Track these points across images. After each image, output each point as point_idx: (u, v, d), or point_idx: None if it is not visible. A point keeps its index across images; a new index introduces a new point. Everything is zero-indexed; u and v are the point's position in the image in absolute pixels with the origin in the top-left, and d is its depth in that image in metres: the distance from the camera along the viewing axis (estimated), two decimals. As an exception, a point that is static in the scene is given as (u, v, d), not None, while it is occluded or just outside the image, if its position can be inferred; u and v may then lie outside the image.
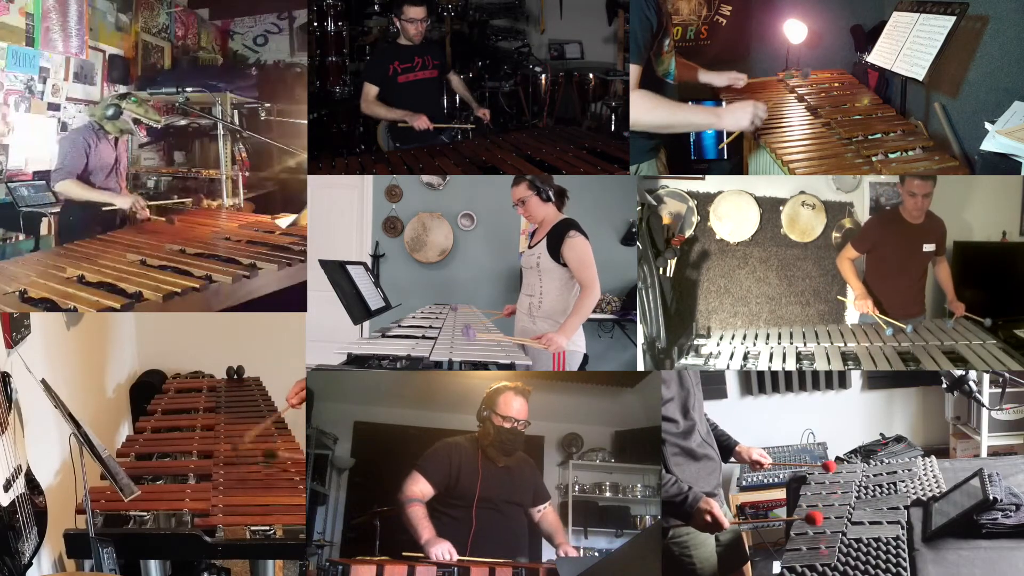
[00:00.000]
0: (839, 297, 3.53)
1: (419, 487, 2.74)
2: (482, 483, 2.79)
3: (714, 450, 2.63)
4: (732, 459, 2.76)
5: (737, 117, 2.96)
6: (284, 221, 3.89)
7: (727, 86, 3.64)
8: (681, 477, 2.45)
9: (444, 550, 2.49)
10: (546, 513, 2.94)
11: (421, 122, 4.18)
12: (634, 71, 2.91)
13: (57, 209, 3.92)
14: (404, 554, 2.52)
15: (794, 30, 3.93)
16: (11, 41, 3.83)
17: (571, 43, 5.59)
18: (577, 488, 4.09)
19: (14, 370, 2.32)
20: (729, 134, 3.22)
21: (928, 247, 3.69)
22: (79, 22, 4.26)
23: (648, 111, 2.88)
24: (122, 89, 4.44)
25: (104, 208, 3.79)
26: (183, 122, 4.80)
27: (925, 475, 2.43)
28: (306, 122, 4.42)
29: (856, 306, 3.39)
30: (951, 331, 3.41)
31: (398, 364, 2.75)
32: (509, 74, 5.34)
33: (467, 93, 4.61)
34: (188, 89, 4.55)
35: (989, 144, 2.77)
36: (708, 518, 2.33)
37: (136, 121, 3.86)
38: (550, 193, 3.40)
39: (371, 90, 4.28)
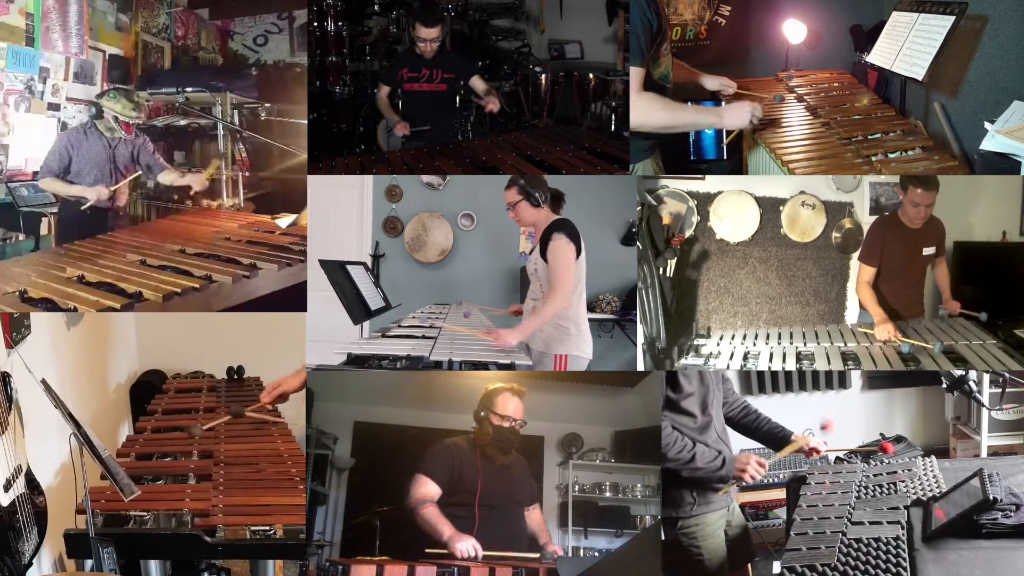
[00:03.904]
0: (861, 329, 3.53)
1: (426, 488, 2.76)
2: (483, 481, 2.81)
3: (728, 447, 2.65)
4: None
5: (737, 115, 3.13)
6: (284, 221, 3.88)
7: (718, 90, 3.63)
8: None
9: (469, 545, 2.54)
10: (533, 513, 2.96)
11: (398, 128, 4.29)
12: (636, 73, 2.93)
13: (56, 209, 3.92)
14: (428, 551, 2.56)
15: (793, 30, 3.94)
16: (11, 41, 3.83)
17: (571, 43, 5.59)
18: (577, 488, 4.08)
19: (14, 370, 2.32)
20: (729, 133, 3.38)
21: (928, 250, 3.68)
22: (79, 22, 4.26)
23: (653, 112, 2.96)
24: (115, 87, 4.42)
25: (82, 207, 3.76)
26: (183, 122, 4.80)
27: (925, 475, 2.44)
28: (306, 122, 4.42)
29: (877, 332, 3.38)
30: (949, 331, 3.40)
31: (398, 364, 2.75)
32: (509, 74, 5.34)
33: (485, 89, 4.49)
34: (188, 89, 4.55)
35: (989, 144, 2.77)
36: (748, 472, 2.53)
37: (116, 119, 3.82)
38: (539, 198, 3.38)
39: (382, 88, 4.43)
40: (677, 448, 2.46)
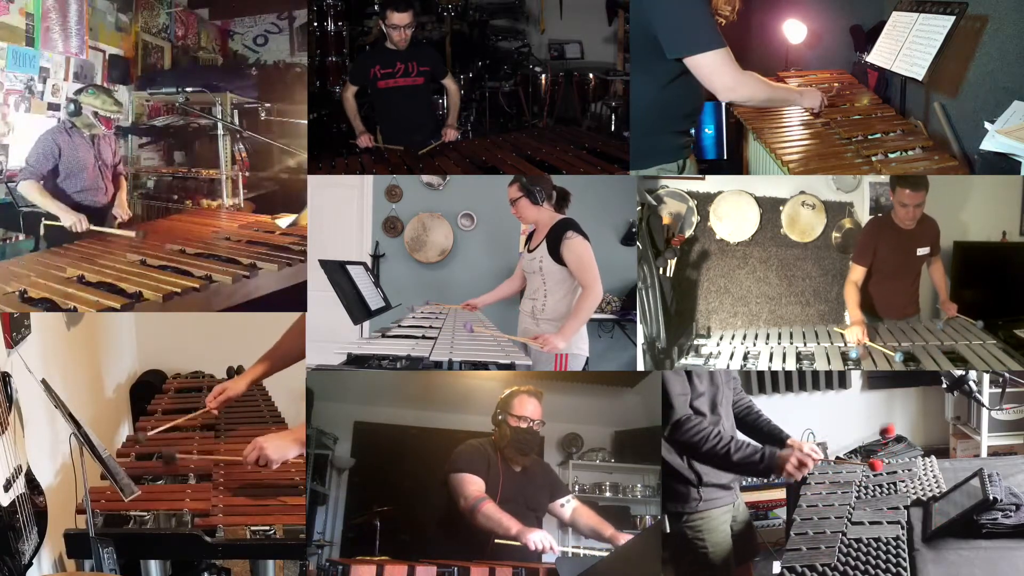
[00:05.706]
0: (836, 329, 3.52)
1: (476, 486, 2.77)
2: (503, 485, 2.83)
3: None
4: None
5: (812, 98, 3.33)
6: (284, 221, 3.88)
7: None
8: (701, 470, 2.49)
9: (541, 537, 2.54)
10: (579, 509, 2.92)
11: (361, 140, 4.18)
12: (723, 54, 2.79)
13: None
14: (497, 541, 2.58)
15: (794, 30, 3.93)
16: (11, 41, 3.83)
17: (571, 43, 5.60)
18: (577, 488, 4.09)
19: (14, 370, 2.32)
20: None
21: (922, 251, 3.67)
22: (79, 22, 4.26)
23: (759, 88, 3.03)
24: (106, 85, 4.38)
25: (47, 223, 3.62)
26: (183, 122, 4.80)
27: (925, 475, 2.44)
28: (306, 122, 4.42)
29: (847, 332, 3.34)
30: (949, 331, 3.40)
31: (398, 364, 2.75)
32: (509, 74, 5.34)
33: (455, 106, 4.40)
34: (188, 89, 4.54)
35: (989, 144, 2.76)
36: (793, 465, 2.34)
37: (96, 114, 3.70)
38: (540, 196, 3.38)
39: (348, 88, 4.27)
40: (711, 443, 2.39)
